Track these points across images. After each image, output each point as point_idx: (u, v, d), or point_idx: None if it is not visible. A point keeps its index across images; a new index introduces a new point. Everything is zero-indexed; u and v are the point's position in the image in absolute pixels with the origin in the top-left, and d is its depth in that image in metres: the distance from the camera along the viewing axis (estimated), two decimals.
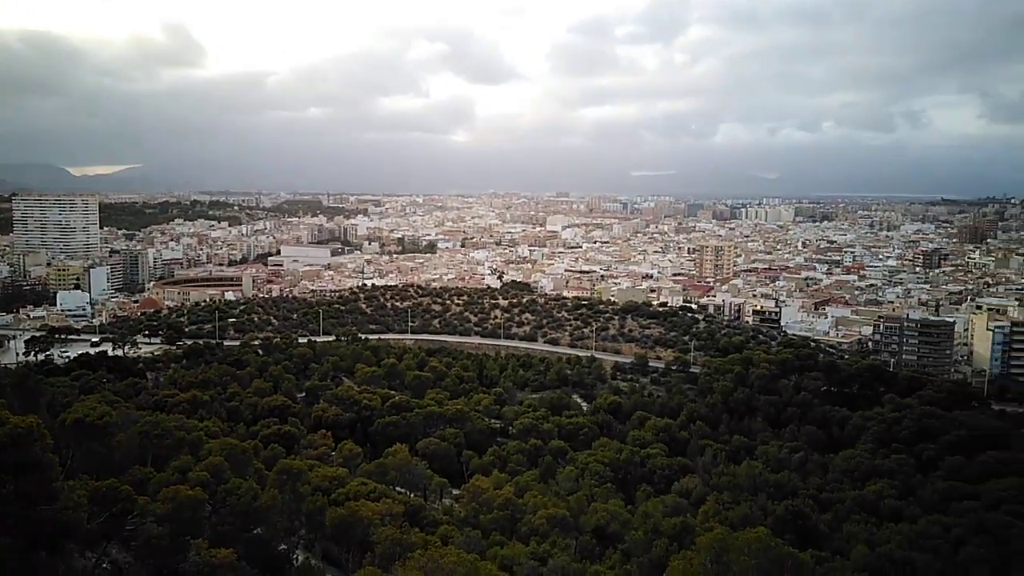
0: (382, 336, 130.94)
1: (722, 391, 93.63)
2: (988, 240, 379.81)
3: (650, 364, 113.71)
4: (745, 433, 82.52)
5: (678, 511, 49.41)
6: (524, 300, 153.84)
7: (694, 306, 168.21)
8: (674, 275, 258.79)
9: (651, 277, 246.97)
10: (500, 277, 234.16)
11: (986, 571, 44.20)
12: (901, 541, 47.86)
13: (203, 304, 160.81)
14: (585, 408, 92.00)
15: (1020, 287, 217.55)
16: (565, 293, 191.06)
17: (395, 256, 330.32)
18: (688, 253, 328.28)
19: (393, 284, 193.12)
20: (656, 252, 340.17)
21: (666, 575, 31.36)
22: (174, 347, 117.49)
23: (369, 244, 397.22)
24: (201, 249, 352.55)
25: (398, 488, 50.95)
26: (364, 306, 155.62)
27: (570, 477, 60.27)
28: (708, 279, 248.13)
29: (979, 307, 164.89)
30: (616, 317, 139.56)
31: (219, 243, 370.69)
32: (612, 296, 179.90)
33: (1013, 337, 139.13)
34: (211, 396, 78.08)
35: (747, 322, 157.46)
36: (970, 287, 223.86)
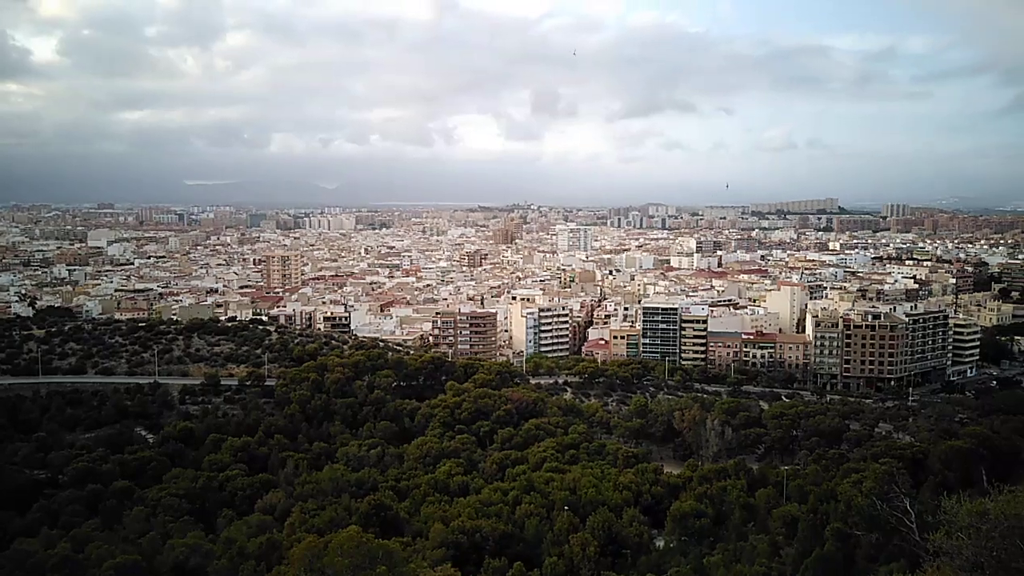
0: None
1: (299, 400, 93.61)
2: (517, 240, 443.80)
3: (223, 383, 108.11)
4: (325, 438, 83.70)
5: (264, 529, 48.19)
6: (67, 328, 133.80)
7: (265, 318, 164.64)
8: (241, 288, 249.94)
9: (217, 291, 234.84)
10: (32, 303, 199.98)
11: (536, 522, 51.58)
12: (470, 512, 53.34)
13: None
14: (151, 440, 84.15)
15: (542, 279, 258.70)
16: (118, 316, 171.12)
17: None
18: (254, 264, 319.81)
19: None
20: (220, 265, 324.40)
21: None
22: None
23: None
24: None
25: None
26: None
27: (139, 518, 54.62)
28: (277, 289, 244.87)
29: (514, 298, 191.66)
30: (181, 337, 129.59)
31: None
32: (174, 315, 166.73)
33: (541, 321, 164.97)
34: None
35: (319, 329, 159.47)
36: (506, 281, 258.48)
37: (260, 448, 78.01)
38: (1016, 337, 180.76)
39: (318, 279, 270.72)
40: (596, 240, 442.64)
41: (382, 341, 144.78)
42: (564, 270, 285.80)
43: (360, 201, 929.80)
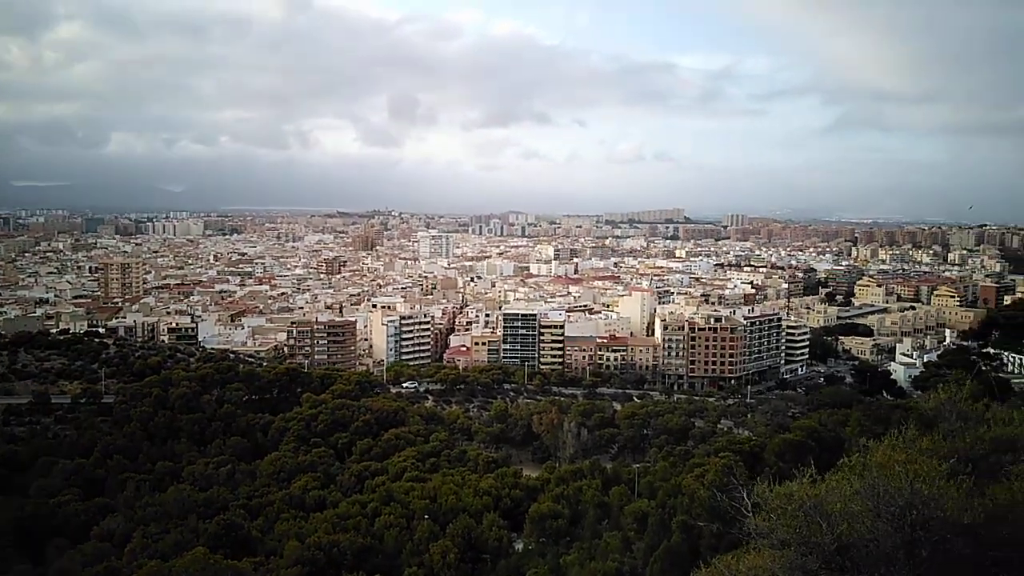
0: None
1: (140, 418, 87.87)
2: (377, 247, 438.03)
3: (53, 401, 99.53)
4: (170, 457, 79.09)
5: (101, 557, 45.00)
6: None
7: (102, 330, 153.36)
8: (75, 298, 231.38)
9: (47, 302, 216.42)
10: None
11: (395, 533, 51.08)
12: (327, 527, 52.11)
13: None
14: None
15: (404, 286, 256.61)
16: None
17: None
18: (90, 272, 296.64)
19: None
20: (51, 273, 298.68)
21: None
22: None
23: None
24: None
25: None
26: None
27: None
28: (116, 299, 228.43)
29: (374, 306, 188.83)
30: (5, 352, 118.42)
31: None
32: None
33: (402, 329, 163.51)
34: None
35: (163, 341, 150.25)
36: (366, 289, 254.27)
37: (96, 470, 72.64)
38: (840, 337, 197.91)
39: (162, 288, 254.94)
40: (458, 247, 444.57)
41: (233, 353, 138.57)
42: (426, 277, 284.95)
43: (209, 205, 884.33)
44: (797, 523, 8.23)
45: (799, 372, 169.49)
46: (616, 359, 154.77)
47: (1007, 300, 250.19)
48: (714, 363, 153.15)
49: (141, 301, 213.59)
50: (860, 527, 7.89)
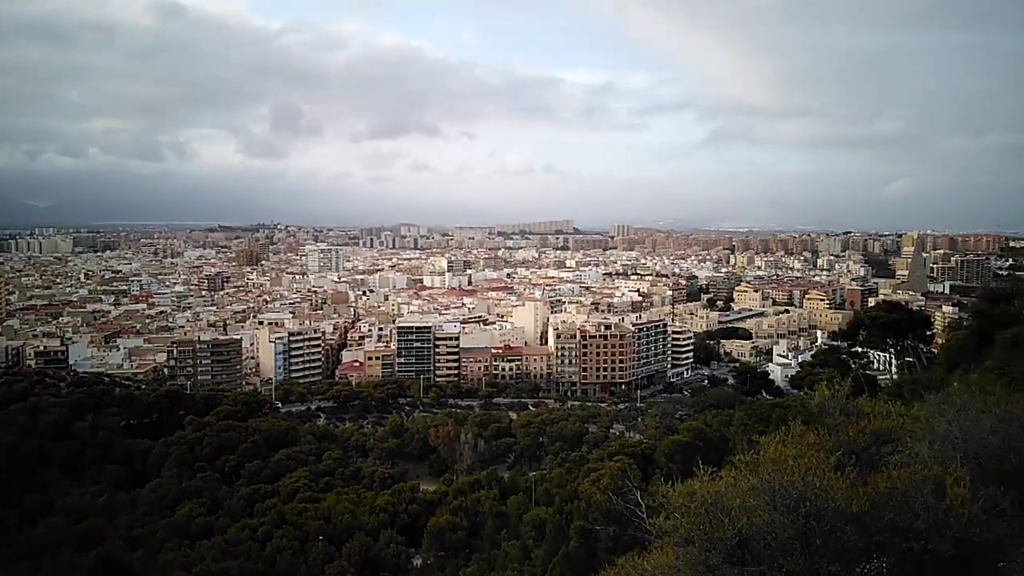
0: None
1: (5, 448, 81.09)
2: (263, 262, 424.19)
3: None
4: (39, 489, 73.39)
5: None
6: None
7: None
8: None
9: None
10: None
11: (288, 556, 49.43)
12: (215, 555, 49.77)
13: None
14: None
15: (292, 301, 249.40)
16: None
17: None
18: None
19: None
20: None
21: None
22: None
23: None
24: None
25: None
26: None
27: None
28: None
29: (261, 322, 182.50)
30: None
31: None
32: None
33: (291, 346, 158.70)
34: None
35: (30, 366, 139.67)
36: (251, 305, 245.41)
37: None
38: (722, 340, 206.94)
39: (27, 309, 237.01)
40: (349, 261, 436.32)
41: (108, 376, 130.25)
42: (315, 292, 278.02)
43: (79, 220, 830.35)
44: (700, 520, 8.50)
45: (685, 375, 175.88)
46: (511, 369, 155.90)
47: (871, 302, 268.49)
48: (605, 369, 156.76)
49: (4, 324, 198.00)
50: (758, 520, 8.21)
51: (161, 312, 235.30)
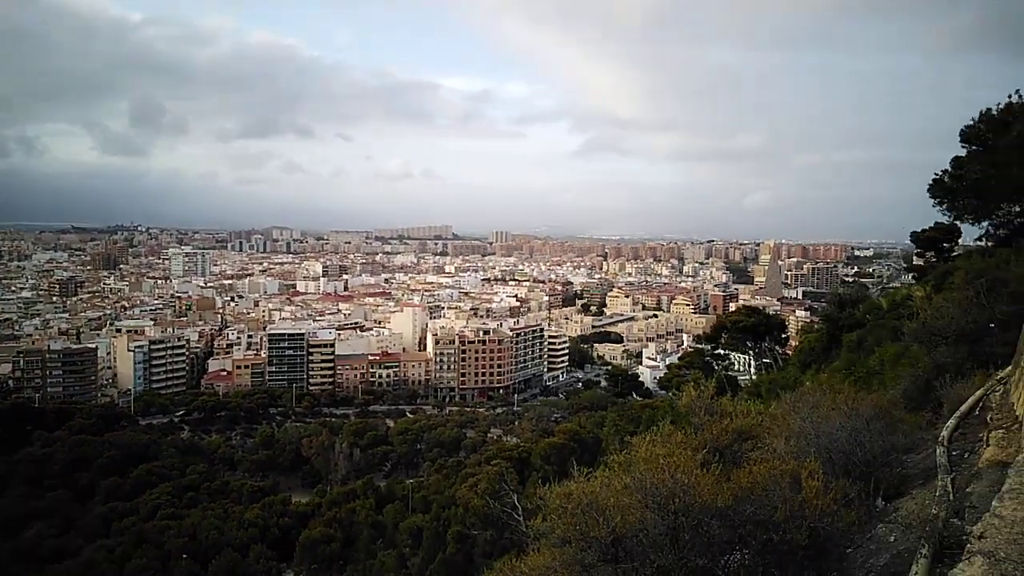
0: None
1: None
2: (121, 266, 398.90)
3: None
4: None
5: None
6: None
7: None
8: None
9: None
10: None
11: None
12: None
13: None
14: None
15: (154, 307, 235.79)
16: None
17: None
18: None
19: None
20: None
21: None
22: None
23: None
24: None
25: None
26: None
27: None
28: None
29: (119, 330, 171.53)
30: None
31: None
32: None
33: (152, 354, 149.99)
34: None
35: None
36: (108, 312, 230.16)
37: None
38: (596, 344, 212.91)
39: None
40: (216, 265, 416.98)
41: None
42: (179, 297, 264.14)
43: None
44: (576, 520, 8.68)
45: (560, 379, 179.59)
46: (389, 376, 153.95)
47: (732, 306, 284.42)
48: (484, 374, 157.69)
49: None
50: (631, 518, 8.47)
51: (6, 319, 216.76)
